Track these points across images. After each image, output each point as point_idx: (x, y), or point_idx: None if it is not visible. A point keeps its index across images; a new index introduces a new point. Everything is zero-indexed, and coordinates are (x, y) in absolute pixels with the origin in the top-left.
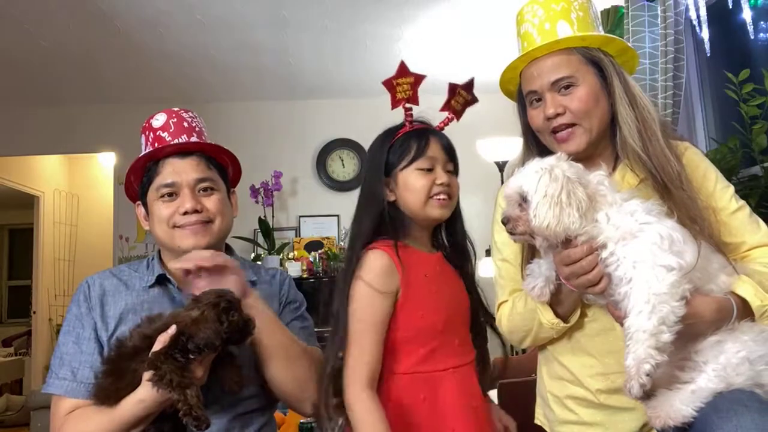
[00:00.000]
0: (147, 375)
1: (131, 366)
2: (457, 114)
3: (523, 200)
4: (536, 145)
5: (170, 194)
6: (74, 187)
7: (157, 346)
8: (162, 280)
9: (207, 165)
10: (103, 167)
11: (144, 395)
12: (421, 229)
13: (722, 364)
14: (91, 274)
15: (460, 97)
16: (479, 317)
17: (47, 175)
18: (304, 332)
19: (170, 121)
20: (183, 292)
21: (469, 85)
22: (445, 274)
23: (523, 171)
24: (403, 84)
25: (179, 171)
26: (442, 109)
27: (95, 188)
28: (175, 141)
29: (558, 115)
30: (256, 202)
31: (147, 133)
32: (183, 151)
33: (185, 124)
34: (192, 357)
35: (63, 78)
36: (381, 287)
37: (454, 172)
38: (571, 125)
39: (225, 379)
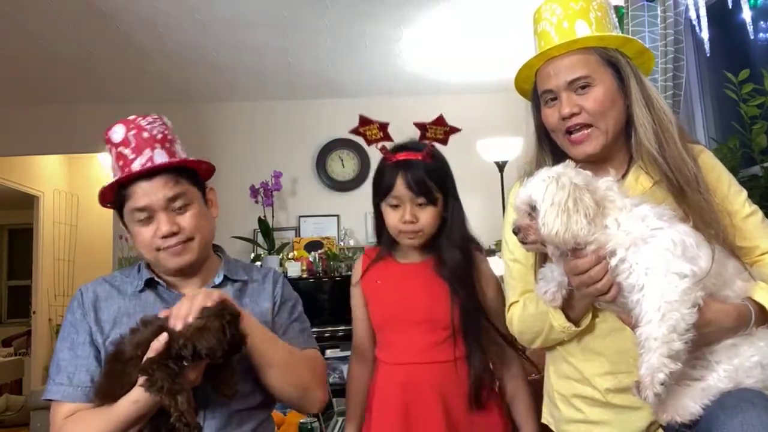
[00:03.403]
0: (140, 380)
1: (127, 369)
2: (441, 141)
3: (532, 209)
4: (549, 145)
5: (146, 217)
6: (74, 187)
7: (151, 353)
8: (151, 284)
9: (176, 180)
10: (103, 167)
11: (138, 396)
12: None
13: (734, 365)
14: (91, 273)
15: (437, 130)
16: (468, 323)
17: (47, 175)
18: (303, 334)
19: (129, 135)
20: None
21: (439, 120)
22: (411, 280)
23: (532, 180)
24: (371, 129)
25: (149, 193)
26: (421, 140)
27: (95, 188)
28: (138, 159)
29: (573, 114)
30: (256, 202)
31: (109, 147)
32: (149, 171)
33: (145, 135)
34: (186, 364)
35: (63, 78)
36: (353, 279)
37: (430, 201)
38: (587, 126)
39: (219, 382)
